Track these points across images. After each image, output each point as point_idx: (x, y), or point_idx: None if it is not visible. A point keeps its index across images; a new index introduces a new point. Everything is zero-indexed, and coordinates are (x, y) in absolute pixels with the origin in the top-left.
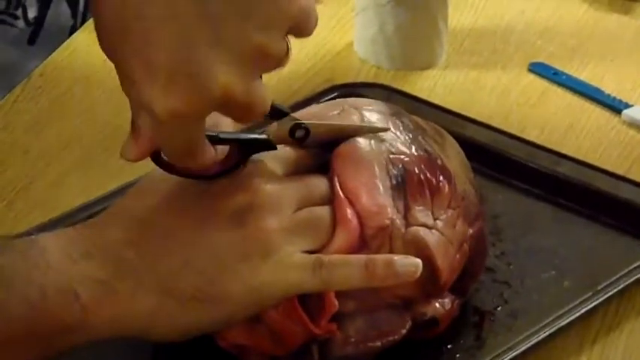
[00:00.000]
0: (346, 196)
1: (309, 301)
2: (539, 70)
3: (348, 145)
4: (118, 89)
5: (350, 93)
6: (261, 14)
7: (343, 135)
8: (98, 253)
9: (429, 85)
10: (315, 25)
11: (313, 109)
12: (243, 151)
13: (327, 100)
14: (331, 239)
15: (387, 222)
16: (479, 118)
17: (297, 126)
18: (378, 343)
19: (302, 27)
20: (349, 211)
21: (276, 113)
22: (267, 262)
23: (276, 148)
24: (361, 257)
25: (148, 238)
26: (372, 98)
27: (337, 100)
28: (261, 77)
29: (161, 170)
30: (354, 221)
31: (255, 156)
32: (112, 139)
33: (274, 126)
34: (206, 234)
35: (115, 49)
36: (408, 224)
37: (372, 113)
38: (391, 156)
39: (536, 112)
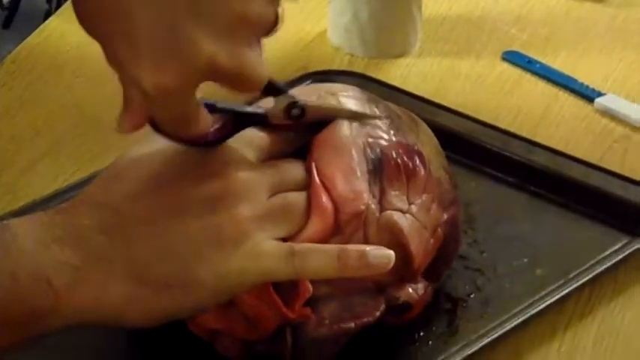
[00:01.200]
0: (322, 182)
1: (283, 286)
2: (513, 58)
3: (328, 132)
4: (92, 75)
5: (324, 80)
6: None
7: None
8: (70, 238)
9: (402, 73)
10: None
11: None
12: (237, 123)
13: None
14: (305, 225)
15: (363, 208)
16: (452, 106)
17: (294, 104)
18: (352, 325)
19: None
20: (324, 198)
21: (273, 90)
22: (239, 250)
23: (269, 125)
24: (334, 247)
25: (119, 225)
26: None
27: (312, 85)
28: (259, 48)
29: (131, 155)
30: (329, 207)
31: (229, 142)
32: (84, 126)
33: (271, 102)
34: (178, 221)
35: (97, 28)
36: (382, 208)
37: (348, 99)
38: (370, 140)
39: (510, 101)
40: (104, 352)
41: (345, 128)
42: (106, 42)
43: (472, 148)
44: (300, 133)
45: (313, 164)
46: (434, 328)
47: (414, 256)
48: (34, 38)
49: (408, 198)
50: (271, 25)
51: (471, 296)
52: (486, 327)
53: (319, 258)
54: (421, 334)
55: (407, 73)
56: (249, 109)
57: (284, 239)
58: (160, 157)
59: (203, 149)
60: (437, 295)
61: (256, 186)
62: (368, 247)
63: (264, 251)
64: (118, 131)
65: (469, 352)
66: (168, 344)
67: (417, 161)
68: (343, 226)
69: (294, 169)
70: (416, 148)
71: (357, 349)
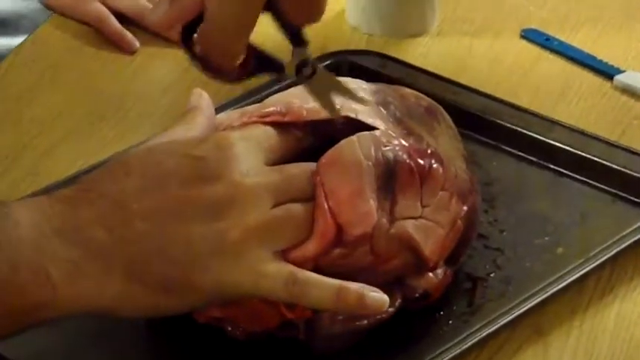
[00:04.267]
0: (329, 205)
1: None
2: (532, 36)
3: (335, 152)
4: (111, 59)
5: (343, 60)
6: None
7: (332, 115)
8: (70, 231)
9: (421, 53)
10: None
11: (295, 90)
12: (258, 64)
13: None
14: (306, 241)
15: (369, 230)
16: (471, 85)
17: (305, 62)
18: (365, 322)
19: None
20: (329, 221)
21: (299, 38)
22: (239, 263)
23: (284, 74)
24: (335, 283)
25: (122, 221)
26: (365, 65)
27: None
28: None
29: (143, 147)
30: (332, 231)
31: (238, 142)
32: (104, 108)
33: (289, 57)
34: (181, 224)
35: None
36: (393, 219)
37: (357, 104)
38: (381, 150)
39: (529, 79)
40: (114, 333)
41: (355, 147)
42: None
43: (492, 126)
44: (312, 134)
45: (320, 187)
46: (454, 308)
47: (428, 259)
48: (53, 20)
49: (422, 201)
50: None
51: (492, 275)
52: (507, 306)
53: (318, 292)
54: (441, 313)
55: (425, 52)
56: (271, 57)
57: (284, 250)
58: (171, 153)
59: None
60: (457, 274)
61: (262, 194)
62: (367, 290)
63: (265, 271)
64: (146, 18)
65: (490, 331)
66: (180, 326)
67: (431, 162)
68: (347, 244)
69: (301, 177)
70: (429, 149)
71: (377, 329)
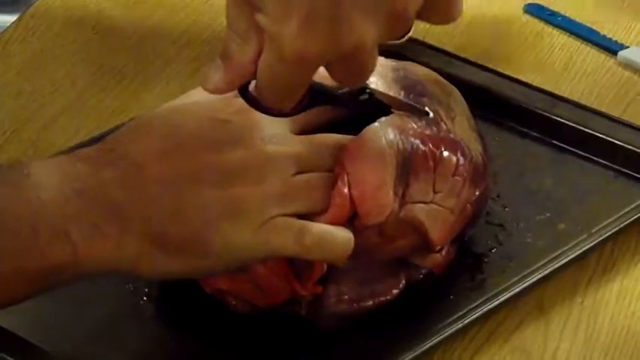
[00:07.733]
0: (351, 196)
1: (298, 260)
2: (535, 11)
3: (360, 141)
4: (111, 30)
5: None
6: None
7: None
8: (90, 192)
9: (424, 27)
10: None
11: None
12: (313, 99)
13: None
14: (319, 215)
15: (382, 219)
16: (474, 60)
17: (363, 90)
18: (370, 303)
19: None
20: (348, 208)
21: None
22: (250, 225)
23: (343, 105)
24: (348, 236)
25: (141, 183)
26: None
27: None
28: None
29: (167, 107)
30: (347, 216)
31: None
32: (105, 81)
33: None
34: (197, 188)
35: None
36: (404, 203)
37: (376, 79)
38: (402, 136)
39: (532, 54)
40: (120, 309)
41: (379, 136)
42: None
43: (495, 101)
44: (339, 108)
45: (344, 175)
46: (456, 283)
47: (435, 242)
48: None
49: (434, 187)
50: (407, 31)
51: (493, 251)
52: (508, 281)
53: (333, 241)
54: (443, 288)
55: (428, 26)
56: (326, 88)
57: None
58: (195, 115)
59: (243, 116)
60: (459, 250)
61: (283, 162)
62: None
63: (274, 227)
64: (202, 86)
65: (491, 307)
66: (186, 300)
67: (446, 148)
68: (357, 226)
69: (325, 148)
70: (444, 134)
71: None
